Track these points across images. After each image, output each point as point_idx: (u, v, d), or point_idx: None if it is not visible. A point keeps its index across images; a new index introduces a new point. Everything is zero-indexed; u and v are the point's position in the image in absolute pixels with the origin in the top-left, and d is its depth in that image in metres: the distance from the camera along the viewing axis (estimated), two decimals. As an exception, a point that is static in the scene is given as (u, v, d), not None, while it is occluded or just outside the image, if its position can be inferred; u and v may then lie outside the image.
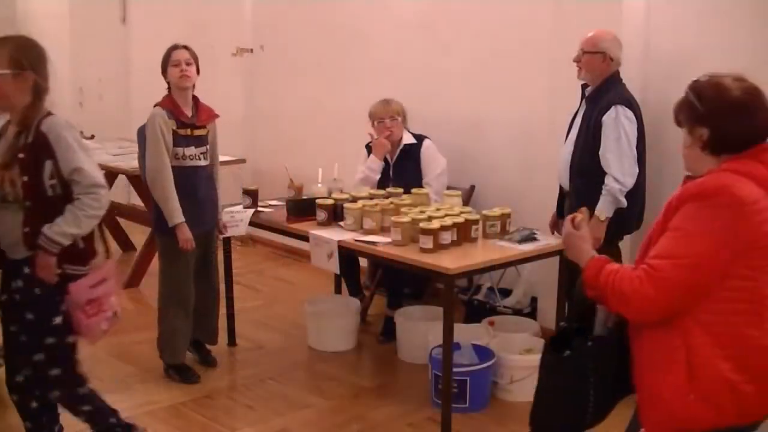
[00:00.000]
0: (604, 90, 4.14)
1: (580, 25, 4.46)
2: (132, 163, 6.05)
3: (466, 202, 4.90)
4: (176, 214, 4.12)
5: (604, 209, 4.08)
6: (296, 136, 6.63)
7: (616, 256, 4.31)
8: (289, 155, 5.81)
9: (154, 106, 4.20)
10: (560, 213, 4.45)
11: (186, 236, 4.15)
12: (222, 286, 4.67)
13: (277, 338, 5.08)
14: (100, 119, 8.60)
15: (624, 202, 4.08)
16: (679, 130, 4.64)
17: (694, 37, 4.33)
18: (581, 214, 2.45)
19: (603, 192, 4.07)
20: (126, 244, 6.91)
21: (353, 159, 5.07)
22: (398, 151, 4.94)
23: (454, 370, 3.78)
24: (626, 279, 2.15)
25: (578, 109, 4.30)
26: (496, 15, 5.17)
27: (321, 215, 4.29)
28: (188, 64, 4.17)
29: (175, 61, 4.15)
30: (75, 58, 9.06)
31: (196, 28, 6.99)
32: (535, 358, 4.19)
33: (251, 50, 6.99)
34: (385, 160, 4.95)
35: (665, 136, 4.43)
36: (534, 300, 4.98)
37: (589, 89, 4.23)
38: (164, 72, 4.20)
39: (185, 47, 4.22)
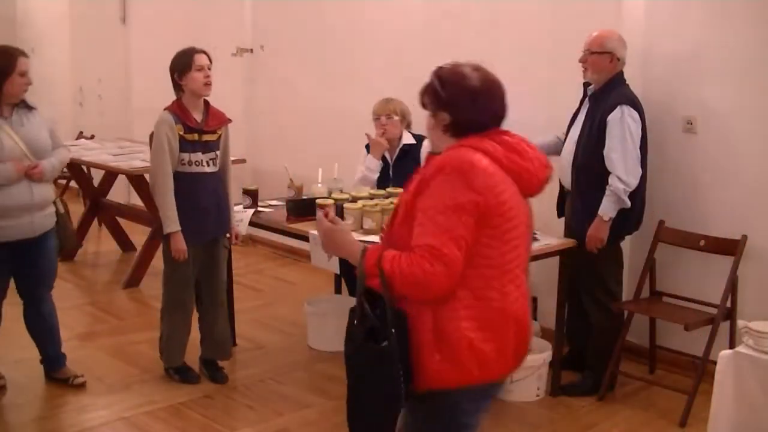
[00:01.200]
0: (608, 90, 4.13)
1: (579, 24, 4.46)
2: (132, 163, 6.06)
3: (466, 202, 4.88)
4: (170, 223, 4.08)
5: (607, 209, 4.07)
6: (296, 136, 6.63)
7: (618, 256, 4.32)
8: (289, 155, 5.80)
9: (164, 110, 4.14)
10: (560, 212, 4.46)
11: (179, 246, 4.10)
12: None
13: (277, 338, 5.08)
14: (100, 119, 8.62)
15: (627, 203, 4.07)
16: (679, 132, 4.68)
17: (694, 37, 4.33)
18: (330, 208, 2.50)
19: (607, 192, 4.06)
20: (126, 244, 6.92)
21: (353, 159, 5.07)
22: (398, 151, 4.94)
23: (454, 370, 3.78)
24: (414, 263, 2.21)
25: (580, 108, 4.30)
26: (496, 15, 5.16)
27: (321, 215, 4.27)
28: (209, 69, 4.12)
29: (199, 66, 4.07)
30: (75, 58, 9.07)
31: (196, 28, 6.99)
32: (535, 358, 4.23)
33: (251, 50, 7.00)
34: (385, 159, 4.95)
35: (665, 136, 4.43)
36: (534, 300, 4.98)
37: (591, 88, 4.23)
38: (182, 75, 4.08)
39: (204, 51, 4.15)
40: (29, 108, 4.01)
